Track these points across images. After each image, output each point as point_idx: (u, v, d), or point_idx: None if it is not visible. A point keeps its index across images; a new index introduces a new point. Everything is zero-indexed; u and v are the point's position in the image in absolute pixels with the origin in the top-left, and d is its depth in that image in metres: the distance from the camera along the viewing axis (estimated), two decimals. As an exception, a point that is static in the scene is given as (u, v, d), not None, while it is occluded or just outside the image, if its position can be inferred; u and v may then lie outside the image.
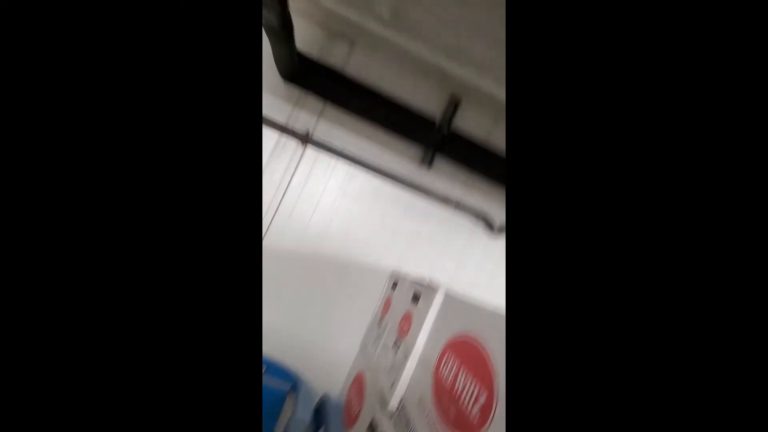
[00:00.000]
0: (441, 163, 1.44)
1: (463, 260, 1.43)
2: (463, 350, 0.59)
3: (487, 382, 0.49)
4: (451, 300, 0.76)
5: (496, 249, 1.45)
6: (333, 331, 1.36)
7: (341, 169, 1.38)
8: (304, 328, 1.34)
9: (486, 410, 0.46)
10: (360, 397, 1.00)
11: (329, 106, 1.36)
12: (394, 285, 1.19)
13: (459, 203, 1.42)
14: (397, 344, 0.89)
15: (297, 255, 1.34)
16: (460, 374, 0.57)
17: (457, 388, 0.56)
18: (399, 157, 1.41)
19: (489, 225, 1.43)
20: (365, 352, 1.22)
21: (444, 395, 0.58)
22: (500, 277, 1.45)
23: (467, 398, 0.52)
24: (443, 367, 0.63)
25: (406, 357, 0.79)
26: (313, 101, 1.35)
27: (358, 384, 1.09)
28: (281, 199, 1.33)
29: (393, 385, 0.78)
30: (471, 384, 0.53)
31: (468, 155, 1.41)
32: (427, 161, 1.41)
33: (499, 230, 1.43)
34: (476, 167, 1.43)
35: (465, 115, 1.42)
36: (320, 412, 0.75)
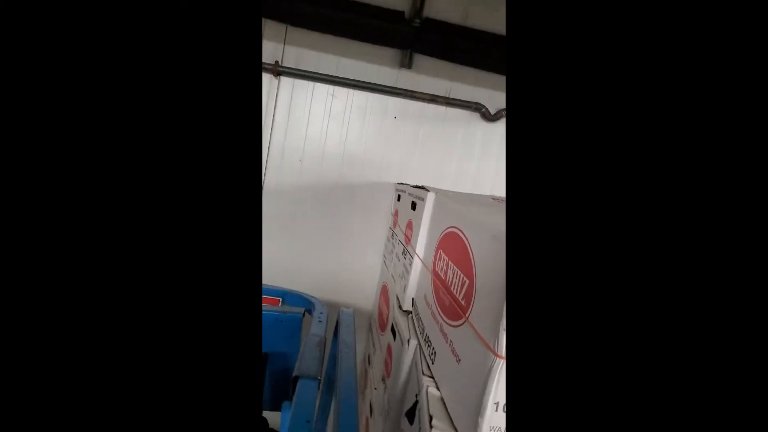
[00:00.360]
0: (421, 60, 1.35)
1: (467, 152, 1.41)
2: (451, 244, 0.62)
3: (468, 270, 0.51)
4: (440, 201, 0.77)
5: (497, 133, 1.40)
6: (354, 254, 1.42)
7: (321, 92, 1.33)
8: (325, 258, 1.41)
9: (469, 294, 0.49)
10: (387, 305, 1.08)
11: (291, 29, 1.27)
12: (399, 197, 1.21)
13: (449, 99, 1.35)
14: (405, 252, 0.93)
15: (299, 190, 1.36)
16: (449, 267, 0.60)
17: (449, 280, 0.59)
18: (376, 64, 1.34)
19: (484, 114, 1.37)
20: (385, 264, 1.29)
21: (440, 289, 0.62)
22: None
23: (456, 287, 0.55)
24: (438, 263, 0.66)
25: (412, 261, 0.83)
26: (275, 28, 1.26)
27: (384, 294, 1.17)
28: (270, 138, 1.31)
29: (405, 289, 0.83)
30: (458, 274, 0.55)
31: (448, 44, 1.31)
32: (406, 62, 1.33)
33: (496, 116, 1.37)
34: (459, 56, 1.33)
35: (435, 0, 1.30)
36: (338, 324, 0.83)
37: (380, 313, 1.18)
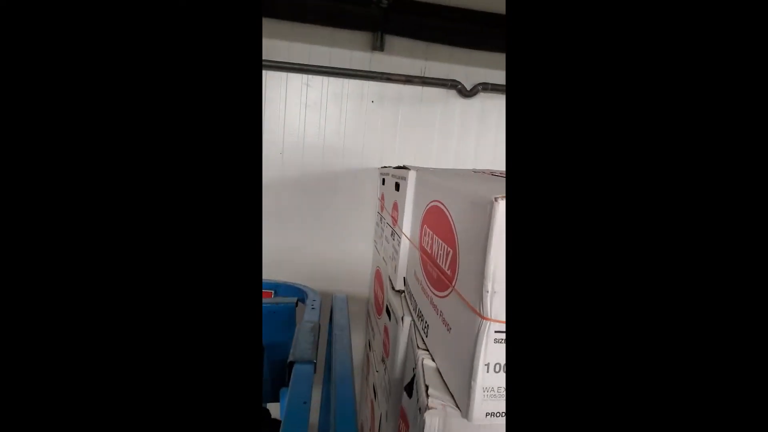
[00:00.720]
0: (393, 42, 1.34)
1: (446, 130, 1.41)
2: (434, 218, 0.62)
3: (451, 240, 0.52)
4: (421, 177, 0.77)
5: (474, 108, 1.40)
6: (345, 243, 1.42)
7: (295, 82, 1.31)
8: (316, 249, 1.41)
9: (453, 263, 0.50)
10: (381, 289, 1.08)
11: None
12: (384, 181, 1.21)
13: (425, 78, 1.34)
14: (393, 234, 0.93)
15: (283, 183, 1.35)
16: (434, 240, 0.60)
17: (434, 253, 0.59)
18: (348, 48, 1.32)
19: (460, 90, 1.36)
20: (377, 250, 1.29)
21: (428, 263, 0.62)
22: (486, 132, 1.43)
23: (441, 259, 0.55)
24: (424, 238, 0.67)
25: (400, 241, 0.83)
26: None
27: (378, 279, 1.18)
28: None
29: (396, 269, 0.84)
30: (442, 246, 0.55)
31: (418, 22, 1.30)
32: (378, 44, 1.31)
33: (472, 92, 1.37)
34: (431, 34, 1.32)
35: (401, -23, 1.28)
36: (332, 310, 0.83)
37: (376, 298, 1.19)
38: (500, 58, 1.38)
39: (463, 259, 0.47)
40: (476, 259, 0.42)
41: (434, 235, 0.60)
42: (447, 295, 0.52)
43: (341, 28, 1.30)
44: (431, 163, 1.40)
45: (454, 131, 1.41)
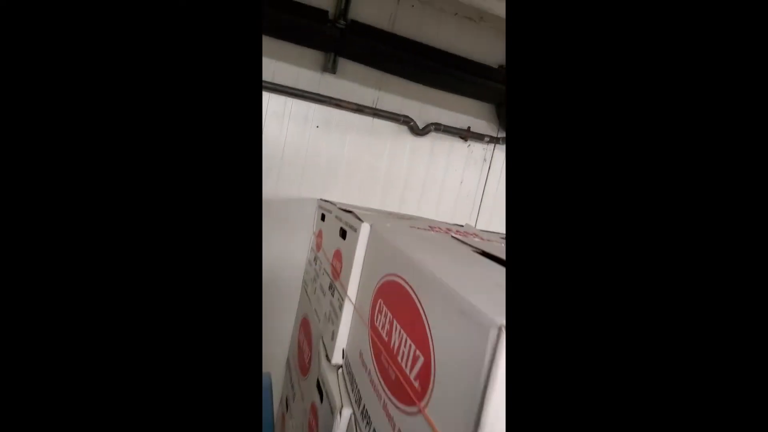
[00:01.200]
0: (347, 66, 1.23)
1: (394, 167, 1.32)
2: (395, 299, 0.51)
3: (423, 343, 0.41)
4: (377, 236, 0.66)
5: (425, 147, 1.34)
6: (275, 270, 1.25)
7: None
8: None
9: (424, 378, 0.39)
10: (309, 345, 0.94)
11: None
12: (323, 216, 1.07)
13: (377, 110, 1.25)
14: (332, 287, 0.81)
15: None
16: (395, 329, 0.49)
17: (394, 345, 0.48)
18: (296, 65, 1.19)
19: (412, 128, 1.29)
20: (306, 293, 1.14)
21: (382, 353, 0.51)
22: (434, 173, 1.37)
23: (406, 361, 0.44)
24: (378, 316, 0.55)
25: (341, 303, 0.70)
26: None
27: (305, 328, 1.03)
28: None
29: (334, 336, 0.71)
30: (407, 343, 0.44)
31: (374, 49, 1.21)
32: (330, 66, 1.20)
33: (424, 131, 1.31)
34: (386, 64, 1.24)
35: (361, 1, 1.19)
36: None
37: (300, 350, 1.03)
38: (454, 99, 1.34)
39: (443, 380, 0.36)
40: (466, 394, 0.32)
41: (395, 322, 0.49)
42: (412, 414, 0.41)
43: (291, 42, 1.17)
44: (375, 202, 1.30)
45: (402, 170, 1.33)
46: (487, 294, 0.36)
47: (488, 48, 1.30)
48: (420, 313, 0.43)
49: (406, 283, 0.48)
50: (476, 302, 0.34)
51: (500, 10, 1.11)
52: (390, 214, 1.18)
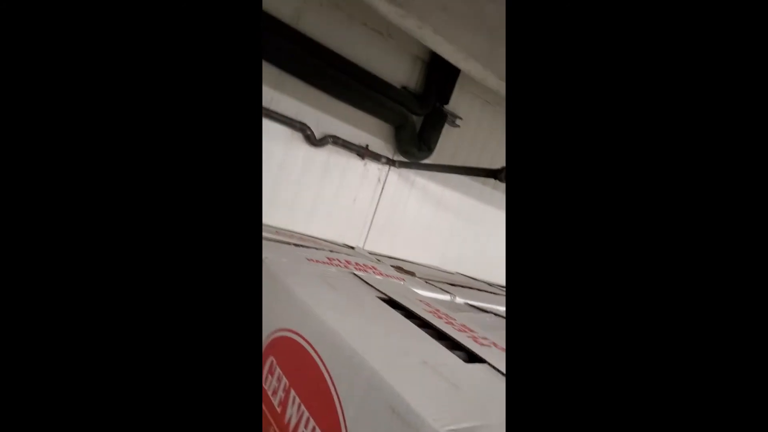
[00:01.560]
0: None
1: (283, 177, 1.20)
2: (290, 357, 0.42)
3: (328, 418, 0.33)
4: (269, 272, 0.55)
5: (319, 160, 1.25)
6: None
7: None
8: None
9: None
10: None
11: None
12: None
13: (270, 111, 1.12)
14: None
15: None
16: (291, 399, 0.40)
17: (290, 421, 0.39)
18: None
19: (309, 137, 1.20)
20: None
21: (272, 426, 0.41)
22: (326, 187, 1.29)
23: (306, 451, 0.35)
24: (269, 380, 0.45)
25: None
26: None
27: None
28: None
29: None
30: (308, 422, 0.36)
31: (273, 42, 1.08)
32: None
33: (321, 142, 1.22)
34: (285, 61, 1.12)
35: (266, -13, 1.05)
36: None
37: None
38: (355, 114, 1.28)
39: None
40: None
41: (293, 391, 0.40)
42: None
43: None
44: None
45: (291, 181, 1.22)
46: (420, 387, 0.30)
47: (393, 67, 1.29)
48: (330, 390, 0.35)
49: (311, 347, 0.39)
50: (415, 405, 0.27)
51: (409, 26, 1.09)
52: (278, 231, 1.06)
